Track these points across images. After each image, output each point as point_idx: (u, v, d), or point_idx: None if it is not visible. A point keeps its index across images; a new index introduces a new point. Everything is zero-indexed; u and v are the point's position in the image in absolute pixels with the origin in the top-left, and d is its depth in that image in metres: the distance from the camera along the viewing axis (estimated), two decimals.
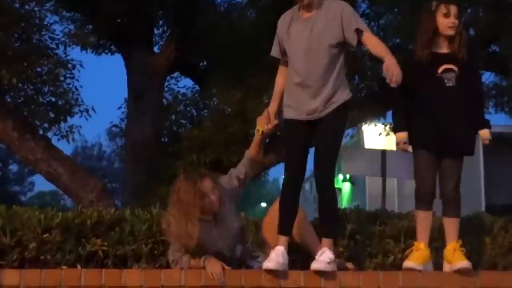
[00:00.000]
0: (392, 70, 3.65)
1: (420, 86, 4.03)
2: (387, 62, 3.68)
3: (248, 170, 4.09)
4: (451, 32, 4.03)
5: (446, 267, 3.95)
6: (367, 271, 3.95)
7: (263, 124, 4.05)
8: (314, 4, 3.88)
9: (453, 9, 4.04)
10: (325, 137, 3.86)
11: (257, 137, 4.10)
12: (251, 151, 4.11)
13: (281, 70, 4.10)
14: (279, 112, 4.09)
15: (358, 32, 3.84)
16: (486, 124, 4.12)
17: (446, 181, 4.00)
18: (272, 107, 4.09)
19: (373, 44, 3.88)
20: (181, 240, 3.78)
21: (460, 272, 3.84)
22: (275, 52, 4.08)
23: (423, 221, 3.98)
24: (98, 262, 3.92)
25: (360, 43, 3.88)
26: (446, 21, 4.02)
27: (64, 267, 3.86)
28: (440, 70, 4.04)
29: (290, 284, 3.78)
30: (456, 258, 3.87)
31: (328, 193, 3.86)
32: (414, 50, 4.16)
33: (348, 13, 3.87)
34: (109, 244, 3.93)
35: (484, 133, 4.08)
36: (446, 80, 4.03)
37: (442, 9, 4.02)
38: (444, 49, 4.08)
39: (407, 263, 3.90)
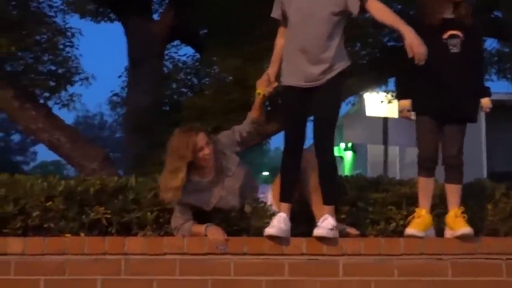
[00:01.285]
0: (417, 50, 3.61)
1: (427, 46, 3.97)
2: (410, 41, 3.63)
3: (252, 130, 4.09)
4: None
5: (448, 233, 3.96)
6: (368, 238, 3.97)
7: (263, 87, 4.03)
8: None
9: None
10: (323, 104, 3.84)
11: (257, 100, 4.09)
12: (253, 114, 4.11)
13: (281, 31, 4.04)
14: (279, 74, 4.07)
15: (362, 0, 3.78)
16: (487, 92, 4.09)
17: (448, 147, 3.99)
18: (272, 69, 4.06)
19: (382, 12, 3.81)
20: (167, 194, 3.82)
21: (461, 238, 3.85)
22: (275, 13, 4.02)
23: (425, 188, 3.99)
24: (102, 230, 3.93)
25: (364, 11, 3.81)
26: None
27: (68, 235, 3.88)
28: (445, 35, 3.99)
29: (292, 250, 3.80)
30: (457, 224, 3.88)
31: (328, 160, 3.86)
32: (423, 13, 4.07)
33: None
34: (113, 212, 3.94)
35: (485, 102, 4.07)
36: (451, 47, 3.99)
37: None
38: (449, 14, 4.03)
39: (409, 230, 3.91)
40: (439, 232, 4.02)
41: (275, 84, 4.04)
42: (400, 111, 4.14)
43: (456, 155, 3.98)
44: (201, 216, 3.94)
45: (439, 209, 4.11)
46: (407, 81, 4.10)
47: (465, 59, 3.98)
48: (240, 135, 4.08)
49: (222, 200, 3.96)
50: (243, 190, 4.00)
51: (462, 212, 3.92)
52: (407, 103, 4.07)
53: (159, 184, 3.91)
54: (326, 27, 3.80)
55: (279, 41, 4.05)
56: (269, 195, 4.08)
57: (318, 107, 3.86)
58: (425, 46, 3.63)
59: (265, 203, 4.03)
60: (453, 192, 3.98)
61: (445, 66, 3.99)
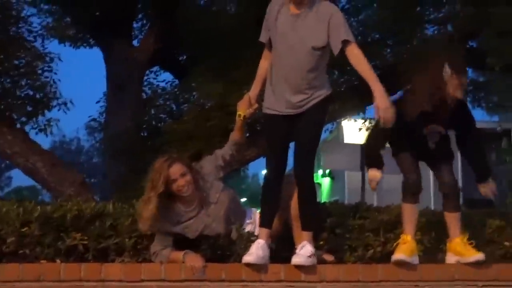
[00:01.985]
0: (384, 115, 3.63)
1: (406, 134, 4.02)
2: (378, 103, 3.64)
3: (234, 152, 4.10)
4: (459, 95, 3.95)
5: (452, 259, 4.02)
6: (347, 264, 3.98)
7: (244, 109, 4.03)
8: (305, 2, 3.82)
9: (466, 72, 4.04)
10: (304, 131, 3.86)
11: (238, 122, 4.09)
12: (234, 136, 4.11)
13: (266, 54, 4.05)
14: (261, 96, 4.08)
15: (344, 42, 3.79)
16: (487, 174, 4.11)
17: (441, 175, 4.06)
18: (254, 91, 4.07)
19: (359, 61, 3.81)
20: (140, 223, 3.83)
21: (475, 264, 3.91)
22: (263, 38, 4.02)
23: (410, 214, 4.01)
24: (78, 256, 3.88)
25: (342, 52, 3.82)
26: (455, 82, 3.89)
27: (44, 261, 3.82)
28: (426, 130, 4.04)
29: (270, 277, 3.79)
30: (469, 251, 3.95)
31: (307, 186, 3.87)
32: (413, 97, 3.99)
33: (337, 20, 3.82)
34: (90, 238, 3.89)
35: (486, 187, 4.08)
36: (430, 141, 4.05)
37: (454, 76, 3.88)
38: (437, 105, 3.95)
39: (397, 255, 3.91)
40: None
41: (256, 106, 4.05)
42: (370, 181, 4.10)
43: (450, 179, 4.04)
44: (187, 242, 3.92)
45: (417, 235, 4.13)
46: (381, 151, 4.07)
47: (442, 153, 4.09)
48: (223, 159, 4.08)
49: (207, 228, 3.94)
50: (228, 216, 3.99)
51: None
52: (378, 174, 4.05)
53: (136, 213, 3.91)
54: (307, 60, 3.82)
55: (263, 63, 4.07)
56: (257, 219, 4.06)
57: (298, 134, 3.88)
58: (393, 110, 3.63)
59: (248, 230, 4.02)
60: (453, 220, 4.04)
61: (425, 156, 4.09)
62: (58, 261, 3.84)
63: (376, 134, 4.09)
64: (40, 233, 3.87)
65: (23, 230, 3.87)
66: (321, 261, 3.90)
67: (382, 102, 3.65)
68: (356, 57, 3.81)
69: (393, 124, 3.66)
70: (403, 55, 8.46)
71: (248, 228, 4.02)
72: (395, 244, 3.99)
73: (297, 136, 3.90)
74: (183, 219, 3.93)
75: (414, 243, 3.96)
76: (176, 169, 3.87)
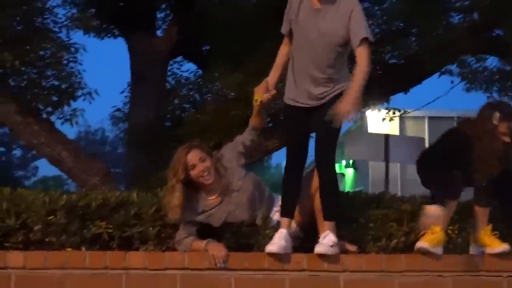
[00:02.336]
0: (344, 108, 3.61)
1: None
2: (346, 96, 3.64)
3: (254, 137, 4.09)
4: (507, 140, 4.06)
5: (476, 250, 4.02)
6: (370, 254, 3.96)
7: (261, 94, 4.00)
8: None
9: None
10: (325, 123, 3.83)
11: (256, 107, 4.06)
12: (253, 121, 4.10)
13: (286, 41, 4.03)
14: (280, 82, 4.06)
15: (362, 40, 3.76)
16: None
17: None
18: (272, 77, 4.05)
19: (359, 60, 3.75)
20: (168, 213, 3.86)
21: (500, 255, 3.92)
22: (284, 29, 4.01)
23: (447, 208, 3.97)
24: (103, 245, 3.93)
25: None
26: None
27: (69, 249, 3.88)
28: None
29: (293, 266, 3.80)
30: (495, 243, 3.96)
31: (328, 177, 3.87)
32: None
33: (357, 16, 3.78)
34: (114, 227, 3.93)
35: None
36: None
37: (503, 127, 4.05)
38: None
39: (419, 243, 3.89)
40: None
41: (274, 92, 4.02)
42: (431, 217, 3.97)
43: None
44: (211, 231, 3.94)
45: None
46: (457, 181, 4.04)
47: None
48: (243, 145, 4.08)
49: (230, 215, 3.96)
50: (252, 203, 3.99)
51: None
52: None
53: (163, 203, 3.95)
54: (327, 56, 3.81)
55: (283, 50, 4.05)
56: None
57: (319, 125, 3.87)
58: (355, 110, 3.64)
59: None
60: (482, 213, 4.05)
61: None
62: (83, 249, 3.89)
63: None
64: (65, 221, 3.93)
65: (49, 218, 3.92)
66: (344, 251, 3.89)
67: (349, 98, 3.64)
68: (359, 55, 3.76)
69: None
70: (428, 44, 8.37)
71: (276, 216, 4.02)
72: (422, 232, 3.95)
73: (318, 127, 3.89)
74: (207, 208, 3.95)
75: (442, 235, 3.92)
76: (194, 155, 3.91)
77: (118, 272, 3.78)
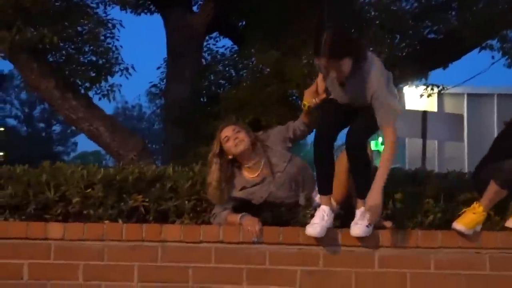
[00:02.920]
0: (371, 214, 3.65)
1: None
2: (370, 199, 3.62)
3: (305, 129, 4.09)
4: None
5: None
6: (405, 230, 3.93)
7: (310, 98, 3.95)
8: (347, 75, 3.66)
9: None
10: (363, 114, 3.76)
11: (304, 111, 4.04)
12: (303, 119, 4.10)
13: None
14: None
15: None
16: None
17: None
18: (322, 81, 3.94)
19: (385, 150, 3.71)
20: (208, 189, 3.92)
21: None
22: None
23: (497, 195, 3.82)
24: (140, 218, 3.99)
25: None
26: None
27: (106, 221, 3.95)
28: None
29: (328, 241, 3.80)
30: None
31: (360, 162, 3.78)
32: None
33: (380, 95, 3.65)
34: (150, 200, 3.99)
35: None
36: None
37: None
38: None
39: (457, 225, 3.82)
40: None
41: (323, 96, 3.93)
42: None
43: None
44: (250, 207, 3.96)
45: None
46: None
47: None
48: (293, 132, 4.09)
49: (271, 195, 3.97)
50: (295, 185, 4.00)
51: None
52: None
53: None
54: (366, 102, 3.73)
55: None
56: None
57: (357, 115, 3.80)
58: (380, 209, 3.65)
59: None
60: None
61: None
62: (120, 221, 3.95)
63: None
64: (103, 194, 3.99)
65: (87, 191, 4.00)
66: (379, 227, 3.87)
67: (373, 199, 3.61)
68: (386, 141, 3.73)
69: None
70: (468, 18, 8.18)
71: (317, 197, 3.96)
72: (464, 210, 3.90)
73: (355, 117, 3.80)
74: (248, 185, 3.98)
75: (483, 216, 3.82)
76: (229, 129, 3.98)
77: (154, 245, 3.84)
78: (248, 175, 3.99)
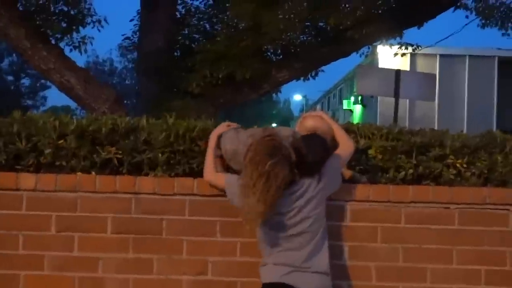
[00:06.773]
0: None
1: None
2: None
3: None
4: None
5: None
6: (377, 185, 3.98)
7: None
8: None
9: None
10: None
11: None
12: None
13: None
14: None
15: None
16: None
17: None
18: None
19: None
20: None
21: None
22: None
23: None
24: (113, 170, 3.96)
25: None
26: None
27: (79, 173, 3.91)
28: None
29: None
30: None
31: None
32: None
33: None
34: (124, 152, 3.95)
35: None
36: None
37: None
38: None
39: None
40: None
41: None
42: None
43: None
44: None
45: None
46: None
47: None
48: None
49: None
50: None
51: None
52: None
53: None
54: None
55: None
56: None
57: None
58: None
59: None
60: None
61: None
62: (93, 173, 3.92)
63: None
64: (75, 145, 3.94)
65: (59, 142, 3.94)
66: (353, 181, 3.91)
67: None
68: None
69: None
70: None
71: None
72: None
73: None
74: None
75: None
76: None
77: (127, 196, 3.83)
78: None
